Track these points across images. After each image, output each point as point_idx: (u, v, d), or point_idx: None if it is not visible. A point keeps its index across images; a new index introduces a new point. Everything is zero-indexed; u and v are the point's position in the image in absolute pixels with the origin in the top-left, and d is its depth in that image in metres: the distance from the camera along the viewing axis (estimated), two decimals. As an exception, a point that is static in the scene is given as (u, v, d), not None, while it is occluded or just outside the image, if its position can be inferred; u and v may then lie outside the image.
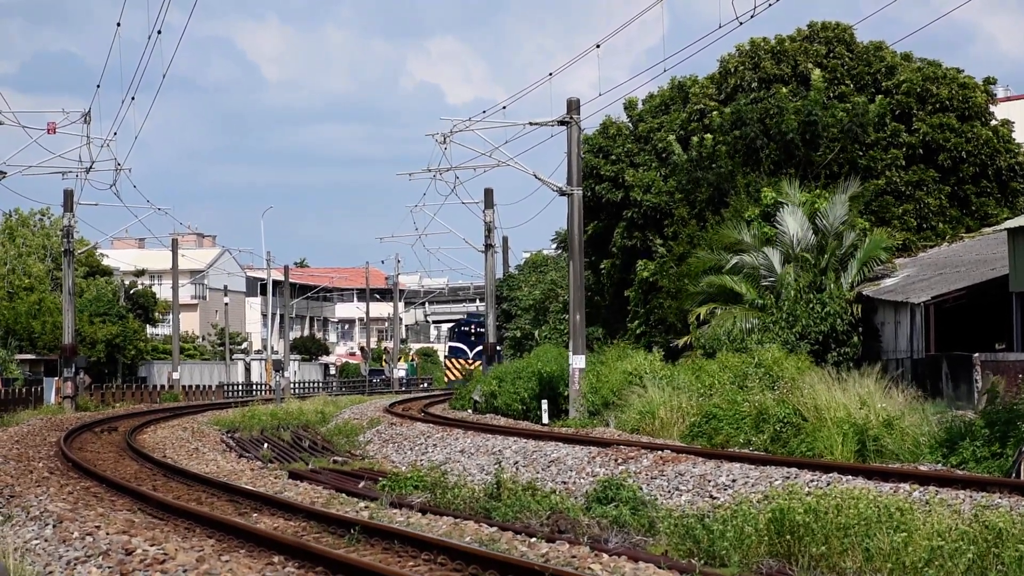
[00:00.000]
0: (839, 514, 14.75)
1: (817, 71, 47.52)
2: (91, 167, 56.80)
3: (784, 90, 47.23)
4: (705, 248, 43.48)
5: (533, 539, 16.48)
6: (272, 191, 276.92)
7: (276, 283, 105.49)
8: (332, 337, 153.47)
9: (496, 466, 24.30)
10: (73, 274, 64.61)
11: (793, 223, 41.03)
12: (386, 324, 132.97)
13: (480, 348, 67.83)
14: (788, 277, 40.22)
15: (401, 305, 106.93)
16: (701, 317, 41.73)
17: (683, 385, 33.75)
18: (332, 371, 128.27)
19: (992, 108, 49.74)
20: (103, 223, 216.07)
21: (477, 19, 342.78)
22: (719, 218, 44.83)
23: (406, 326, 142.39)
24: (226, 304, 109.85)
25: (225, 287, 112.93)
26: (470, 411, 48.47)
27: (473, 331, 71.21)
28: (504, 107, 48.13)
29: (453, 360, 72.34)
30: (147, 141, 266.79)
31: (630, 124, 56.41)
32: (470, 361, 70.31)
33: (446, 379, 74.89)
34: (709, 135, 48.07)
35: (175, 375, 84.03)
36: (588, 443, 27.97)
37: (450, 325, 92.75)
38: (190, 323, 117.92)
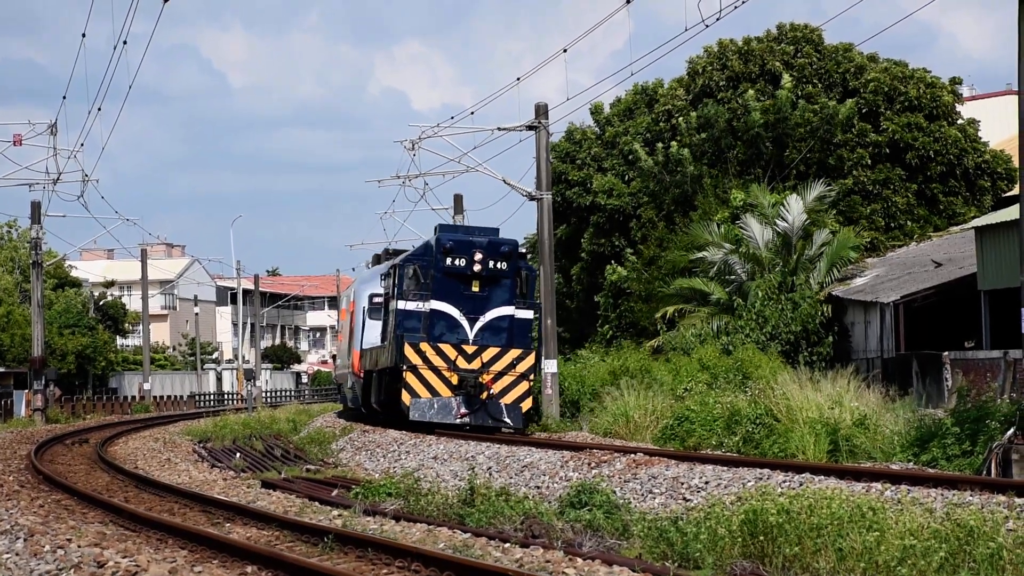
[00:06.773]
0: (812, 514, 14.76)
1: (787, 75, 47.59)
2: (58, 179, 56.51)
3: (751, 92, 47.36)
4: (674, 250, 43.55)
5: (507, 544, 16.46)
6: (241, 199, 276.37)
7: (246, 292, 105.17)
8: (304, 345, 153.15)
9: (469, 472, 24.25)
10: (42, 286, 64.26)
11: (759, 224, 41.14)
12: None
13: (498, 314, 33.73)
14: (756, 278, 40.32)
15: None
16: (668, 316, 41.74)
17: (661, 380, 33.75)
18: (304, 379, 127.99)
19: (959, 108, 49.94)
20: (71, 235, 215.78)
21: (444, 24, 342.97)
22: (688, 220, 44.92)
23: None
24: (196, 314, 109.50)
25: (195, 297, 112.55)
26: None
27: (489, 268, 33.37)
28: (472, 112, 48.08)
29: (423, 346, 33.42)
30: (114, 151, 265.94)
31: (597, 129, 56.48)
32: (470, 344, 33.44)
33: (407, 400, 34.09)
34: (675, 142, 48.15)
35: (146, 386, 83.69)
36: (561, 447, 27.94)
37: (391, 263, 37.25)
38: (160, 334, 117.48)
